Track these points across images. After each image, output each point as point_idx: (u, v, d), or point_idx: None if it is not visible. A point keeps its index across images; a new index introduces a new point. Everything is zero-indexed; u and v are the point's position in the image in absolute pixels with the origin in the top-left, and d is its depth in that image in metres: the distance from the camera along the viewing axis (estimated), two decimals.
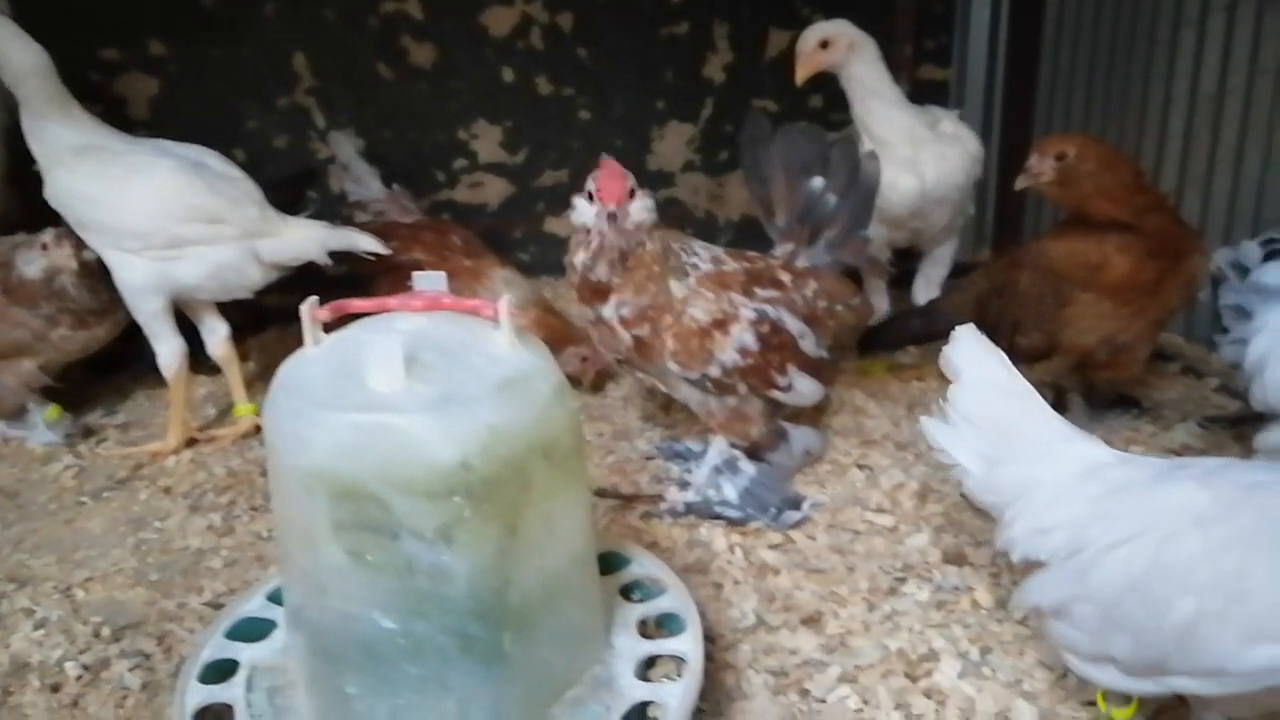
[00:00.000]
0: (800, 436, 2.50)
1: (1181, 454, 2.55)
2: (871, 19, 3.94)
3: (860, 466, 2.59)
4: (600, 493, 2.45)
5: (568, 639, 1.52)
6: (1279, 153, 2.85)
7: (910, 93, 4.04)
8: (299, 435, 1.32)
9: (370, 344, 1.35)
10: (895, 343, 2.99)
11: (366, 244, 2.69)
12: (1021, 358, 2.60)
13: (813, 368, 2.38)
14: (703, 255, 2.29)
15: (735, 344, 2.24)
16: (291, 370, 1.41)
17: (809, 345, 2.37)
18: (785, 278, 2.38)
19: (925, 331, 2.91)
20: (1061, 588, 1.48)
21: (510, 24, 3.88)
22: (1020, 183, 2.42)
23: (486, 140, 4.03)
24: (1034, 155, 2.40)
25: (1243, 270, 2.03)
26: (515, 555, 1.38)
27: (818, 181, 2.44)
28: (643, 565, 1.84)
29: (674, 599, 1.74)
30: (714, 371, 2.24)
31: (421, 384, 1.34)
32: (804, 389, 2.38)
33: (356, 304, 1.49)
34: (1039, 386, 2.58)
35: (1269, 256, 1.99)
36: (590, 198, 2.06)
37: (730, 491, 2.33)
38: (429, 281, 1.53)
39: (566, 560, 1.47)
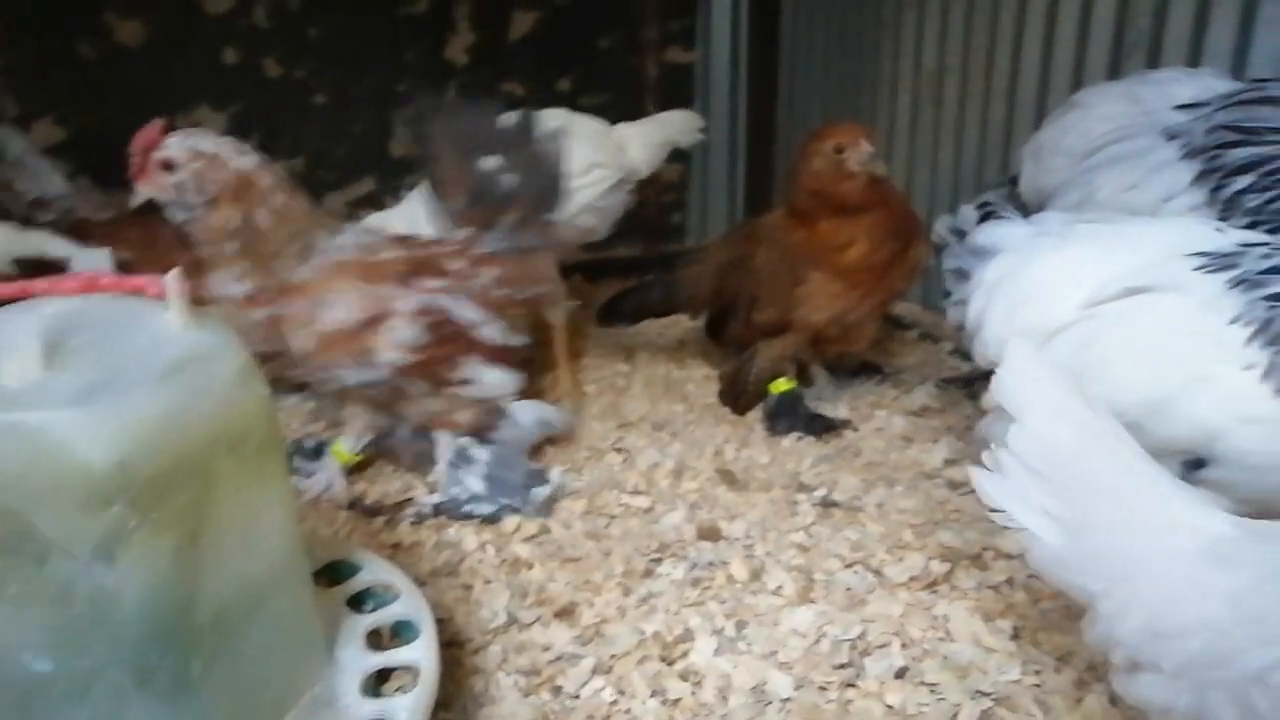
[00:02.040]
0: (526, 409, 2.36)
1: (921, 415, 2.64)
2: (617, 1, 3.96)
3: (617, 449, 2.52)
4: (350, 505, 2.27)
5: (277, 658, 1.34)
6: (994, 124, 3.01)
7: (657, 75, 4.07)
8: None
9: None
10: (636, 314, 2.94)
11: (58, 249, 2.36)
12: (759, 332, 2.67)
13: (500, 357, 2.24)
14: (349, 240, 2.13)
15: (396, 341, 2.08)
16: None
17: (492, 334, 2.22)
18: (457, 264, 2.22)
19: (665, 303, 2.88)
20: (1201, 701, 1.15)
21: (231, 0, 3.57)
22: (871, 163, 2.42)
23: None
24: (865, 144, 2.40)
25: (962, 235, 2.08)
26: (200, 568, 1.19)
27: (490, 161, 2.28)
28: (374, 572, 1.67)
29: (407, 605, 1.59)
30: (374, 375, 2.09)
31: (67, 374, 1.13)
32: (491, 380, 2.23)
33: None
34: (782, 361, 2.69)
35: (984, 219, 2.06)
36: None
37: (474, 483, 2.19)
38: (90, 261, 1.31)
39: (267, 569, 1.29)
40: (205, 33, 3.58)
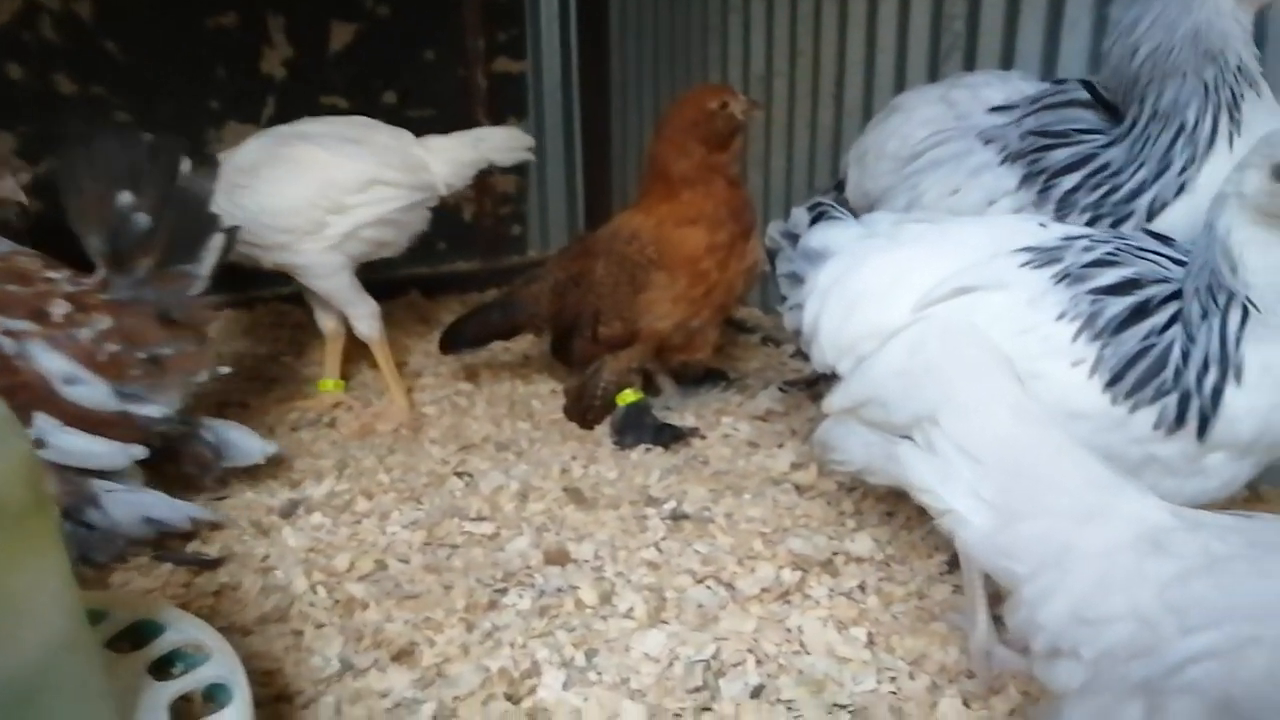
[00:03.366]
0: (126, 502, 2.00)
1: (766, 420, 2.63)
2: (440, 12, 3.84)
3: (459, 474, 2.41)
4: (158, 556, 2.08)
5: None
6: (823, 127, 3.04)
7: (488, 86, 3.97)
8: None
9: None
10: (478, 339, 2.83)
11: None
12: (605, 346, 2.62)
13: (95, 423, 1.94)
14: None
15: None
16: None
17: (86, 394, 1.93)
18: (60, 309, 1.96)
19: (507, 325, 2.79)
20: (1118, 700, 1.10)
21: (10, 11, 3.27)
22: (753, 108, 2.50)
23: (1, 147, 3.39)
24: (741, 95, 2.48)
25: (794, 238, 2.07)
26: None
27: (125, 197, 2.04)
28: (182, 631, 1.52)
29: (219, 665, 1.44)
30: None
31: None
32: (76, 447, 1.91)
33: None
34: (629, 373, 2.64)
35: (815, 220, 2.05)
36: None
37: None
38: None
39: (41, 650, 1.13)
40: None
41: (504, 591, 1.93)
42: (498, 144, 2.83)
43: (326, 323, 2.83)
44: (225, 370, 2.23)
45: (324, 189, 2.56)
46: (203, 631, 1.51)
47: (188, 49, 3.54)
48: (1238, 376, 1.50)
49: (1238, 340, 1.49)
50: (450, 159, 2.75)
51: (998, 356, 1.39)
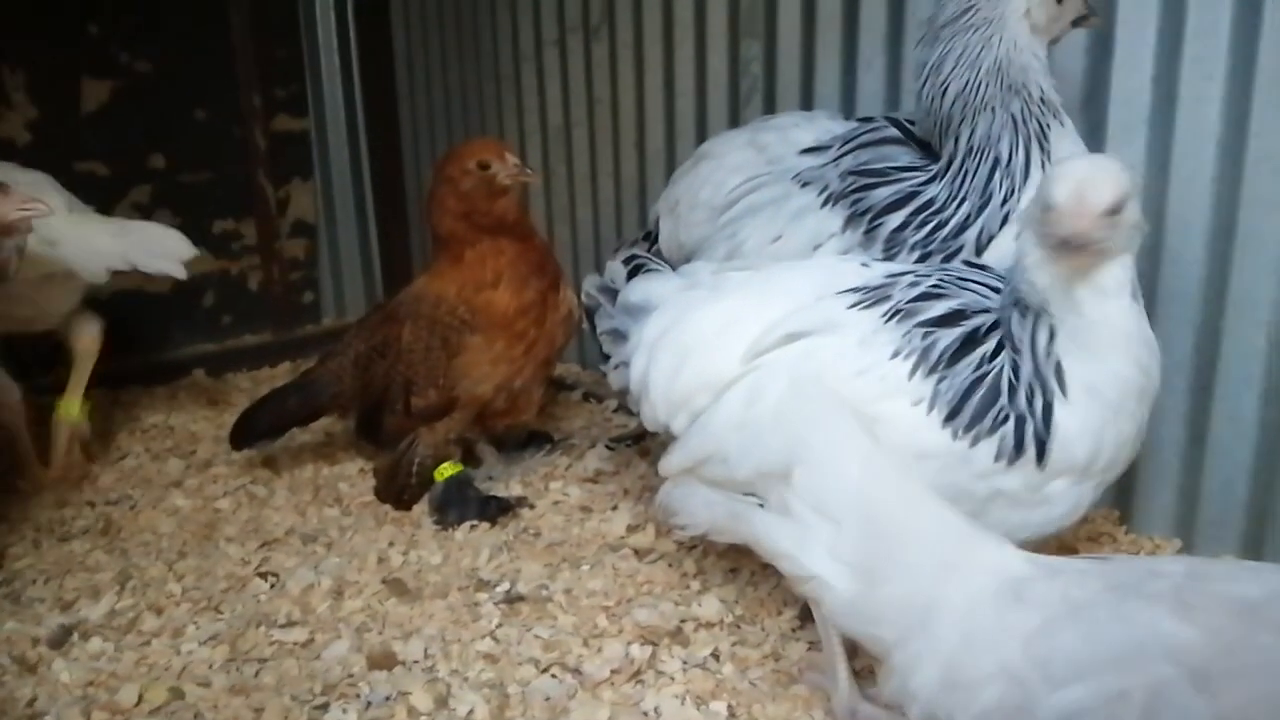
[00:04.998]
0: None
1: (596, 481, 2.51)
2: (213, 66, 3.56)
3: (262, 574, 2.16)
4: None
5: None
6: (627, 177, 2.98)
7: (269, 146, 3.71)
8: None
9: None
10: (274, 428, 2.56)
11: None
12: (420, 419, 2.44)
13: None
14: None
15: None
16: None
17: None
18: None
19: (306, 408, 2.56)
20: None
21: None
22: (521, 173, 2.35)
23: None
24: (510, 156, 2.33)
25: (613, 294, 1.99)
26: None
27: None
28: None
29: None
30: None
31: None
32: None
33: None
34: (447, 445, 2.47)
35: (632, 274, 1.97)
36: None
37: None
38: None
39: None
40: None
41: (324, 708, 1.72)
42: (151, 247, 2.50)
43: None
44: None
45: None
46: None
47: None
48: (1063, 390, 1.52)
49: (1048, 354, 1.52)
50: (84, 248, 2.44)
51: (844, 408, 1.34)
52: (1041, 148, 1.78)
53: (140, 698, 1.76)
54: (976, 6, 1.78)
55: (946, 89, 1.81)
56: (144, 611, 2.03)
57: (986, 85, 1.78)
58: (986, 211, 1.81)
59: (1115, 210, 1.42)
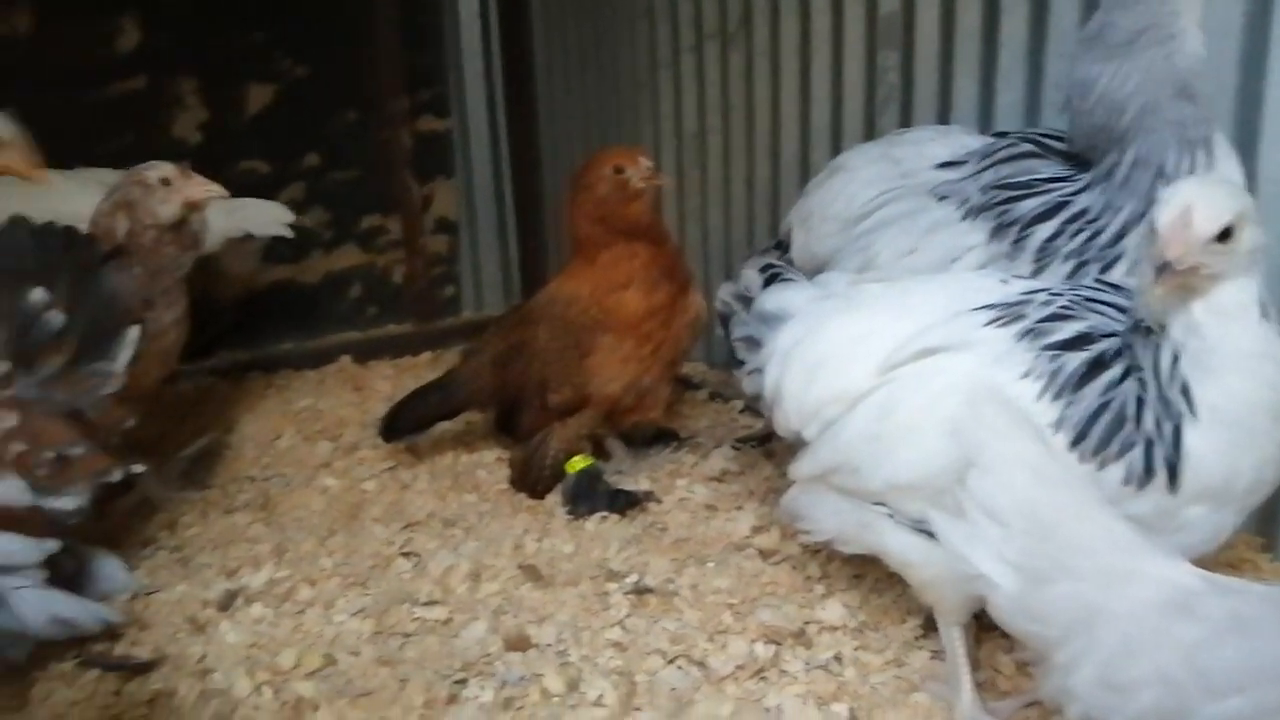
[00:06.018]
0: (39, 600, 1.88)
1: (722, 481, 2.57)
2: (362, 71, 3.75)
3: (405, 554, 2.30)
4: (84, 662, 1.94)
5: None
6: (760, 182, 3.03)
7: (414, 146, 3.89)
8: None
9: None
10: (420, 423, 2.71)
11: None
12: (554, 415, 2.54)
13: (6, 520, 1.87)
14: None
15: None
16: None
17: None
18: None
19: (448, 405, 2.69)
20: None
21: None
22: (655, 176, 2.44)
23: None
24: (644, 160, 2.42)
25: (747, 301, 2.04)
26: None
27: (38, 294, 1.94)
28: None
29: None
30: None
31: None
32: None
33: None
34: (578, 439, 2.57)
35: (768, 283, 2.02)
36: None
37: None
38: None
39: None
40: None
41: (464, 683, 1.83)
42: (254, 217, 3.00)
43: None
44: (139, 469, 2.10)
45: None
46: None
47: (90, 114, 3.37)
48: (1193, 413, 1.49)
49: (1172, 377, 1.49)
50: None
51: (1020, 417, 1.40)
52: (1208, 153, 1.77)
53: (298, 661, 1.90)
54: (1157, 23, 1.77)
55: (1125, 107, 1.80)
56: (299, 582, 2.18)
57: (1167, 99, 1.77)
58: (1148, 218, 1.79)
59: (1224, 236, 1.40)
